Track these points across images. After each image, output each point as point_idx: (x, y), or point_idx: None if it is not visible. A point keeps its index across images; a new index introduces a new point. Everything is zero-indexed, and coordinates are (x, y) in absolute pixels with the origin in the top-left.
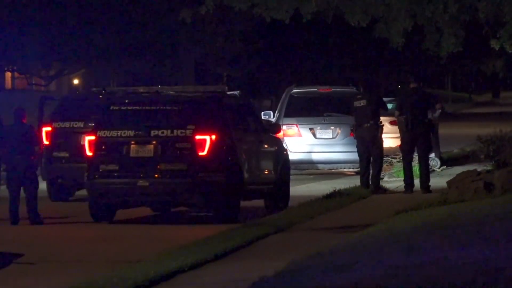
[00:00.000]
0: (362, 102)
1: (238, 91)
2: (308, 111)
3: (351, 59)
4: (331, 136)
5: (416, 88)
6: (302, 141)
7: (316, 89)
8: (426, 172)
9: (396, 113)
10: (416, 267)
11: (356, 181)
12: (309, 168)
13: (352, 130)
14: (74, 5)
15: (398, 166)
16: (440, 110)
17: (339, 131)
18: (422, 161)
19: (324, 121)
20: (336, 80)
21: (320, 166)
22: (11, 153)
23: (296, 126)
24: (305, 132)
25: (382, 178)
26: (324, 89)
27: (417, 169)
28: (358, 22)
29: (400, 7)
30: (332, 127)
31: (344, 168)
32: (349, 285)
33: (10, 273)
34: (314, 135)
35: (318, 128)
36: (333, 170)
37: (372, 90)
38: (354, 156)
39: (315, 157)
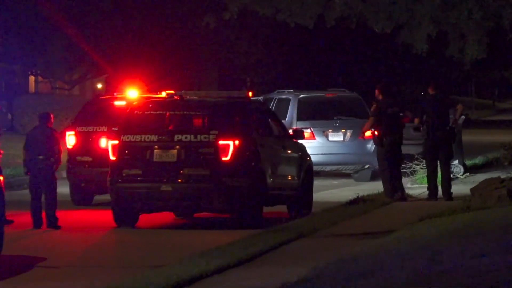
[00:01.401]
0: (395, 109)
1: (262, 97)
2: (319, 114)
3: (374, 65)
4: (342, 139)
5: (436, 94)
6: (316, 144)
7: (323, 94)
8: (448, 179)
9: (416, 120)
10: (438, 274)
11: (379, 188)
12: (319, 170)
13: (378, 136)
14: (98, 10)
15: (422, 172)
16: (464, 117)
17: (349, 133)
18: (444, 168)
19: (336, 124)
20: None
21: (330, 167)
22: (33, 156)
23: (310, 129)
24: (318, 135)
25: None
26: (330, 94)
27: (439, 175)
28: (382, 28)
29: (424, 13)
30: (342, 130)
31: (351, 169)
32: None
33: (33, 277)
34: (327, 137)
35: (330, 131)
36: (339, 170)
37: (395, 96)
38: (362, 157)
39: (328, 158)
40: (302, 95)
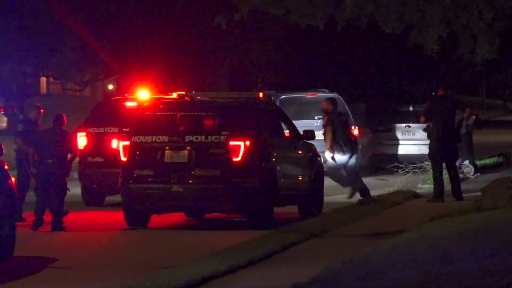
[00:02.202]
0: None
1: (272, 97)
2: (300, 114)
3: (384, 65)
4: (323, 138)
5: (444, 95)
6: None
7: (304, 94)
8: (457, 179)
9: (423, 118)
10: (449, 274)
11: (387, 189)
12: None
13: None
14: (108, 11)
15: (430, 172)
16: (474, 117)
17: None
18: (452, 169)
19: (316, 123)
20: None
21: None
22: (43, 157)
23: None
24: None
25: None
26: (311, 94)
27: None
28: (392, 29)
29: (435, 14)
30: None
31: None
32: None
33: (45, 277)
34: None
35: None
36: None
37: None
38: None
39: None
40: (283, 96)
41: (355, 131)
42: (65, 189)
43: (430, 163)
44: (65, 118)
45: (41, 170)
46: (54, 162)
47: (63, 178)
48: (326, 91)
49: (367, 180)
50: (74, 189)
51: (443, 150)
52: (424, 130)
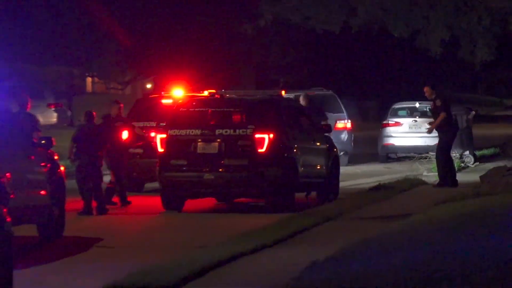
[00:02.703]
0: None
1: (294, 95)
2: None
3: (392, 66)
4: None
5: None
6: None
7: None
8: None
9: (444, 114)
10: (451, 253)
11: (396, 177)
12: None
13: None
14: (147, 20)
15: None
16: (474, 113)
17: None
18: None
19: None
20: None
21: None
22: (80, 150)
23: None
24: None
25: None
26: (310, 93)
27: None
28: (400, 33)
29: (438, 20)
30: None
31: None
32: (392, 268)
33: (92, 255)
34: None
35: None
36: None
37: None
38: (339, 146)
39: None
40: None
41: (348, 124)
42: (100, 178)
43: (434, 153)
44: (94, 114)
45: (79, 162)
46: (89, 154)
47: (100, 169)
48: (324, 89)
49: (376, 168)
50: None
51: (453, 140)
52: (430, 123)
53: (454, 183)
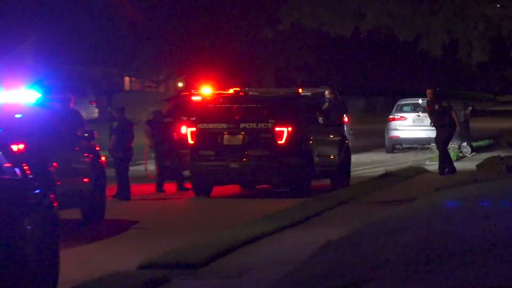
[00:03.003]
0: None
1: (310, 92)
2: None
3: (397, 67)
4: None
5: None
6: None
7: (330, 88)
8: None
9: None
10: (451, 233)
11: (402, 165)
12: None
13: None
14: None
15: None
16: (471, 108)
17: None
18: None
19: None
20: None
21: None
22: (117, 142)
23: None
24: None
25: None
26: (313, 90)
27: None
28: (405, 37)
29: (439, 26)
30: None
31: None
32: (397, 247)
33: (131, 236)
34: None
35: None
36: None
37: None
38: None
39: None
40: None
41: (345, 119)
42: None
43: (435, 145)
44: (124, 109)
45: (112, 154)
46: (125, 146)
47: (128, 160)
48: (326, 87)
49: (383, 157)
50: (153, 166)
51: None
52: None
53: (454, 170)
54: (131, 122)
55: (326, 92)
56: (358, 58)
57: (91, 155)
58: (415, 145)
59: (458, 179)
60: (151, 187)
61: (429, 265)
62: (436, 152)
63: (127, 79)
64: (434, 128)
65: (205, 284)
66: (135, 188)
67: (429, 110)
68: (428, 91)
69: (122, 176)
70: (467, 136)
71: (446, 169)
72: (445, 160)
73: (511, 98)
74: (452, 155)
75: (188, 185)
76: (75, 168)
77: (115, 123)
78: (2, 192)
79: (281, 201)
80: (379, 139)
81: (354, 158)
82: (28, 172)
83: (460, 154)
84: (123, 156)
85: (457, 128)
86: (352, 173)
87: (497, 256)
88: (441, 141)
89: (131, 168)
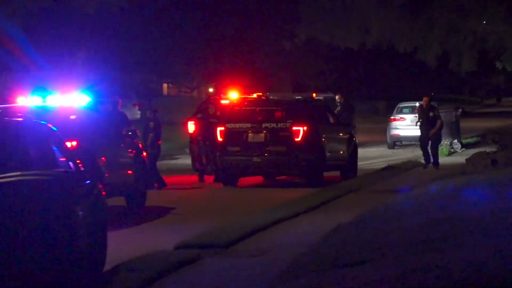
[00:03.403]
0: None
1: (323, 96)
2: None
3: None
4: None
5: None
6: None
7: (339, 94)
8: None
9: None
10: (445, 218)
11: (401, 160)
12: None
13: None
14: (208, 40)
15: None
16: (460, 110)
17: None
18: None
19: None
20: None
21: None
22: (151, 141)
23: None
24: None
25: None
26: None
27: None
28: (404, 49)
29: (434, 39)
30: None
31: None
32: (398, 230)
33: (169, 220)
34: None
35: None
36: None
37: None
38: None
39: None
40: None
41: None
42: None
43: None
44: (157, 111)
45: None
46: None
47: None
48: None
49: (385, 152)
50: (186, 160)
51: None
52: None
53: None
54: (160, 123)
55: (337, 97)
56: (364, 67)
57: (134, 151)
58: (413, 142)
59: (450, 171)
60: (189, 178)
61: (426, 245)
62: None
63: (165, 85)
64: (418, 127)
65: (232, 261)
66: (175, 179)
67: (424, 116)
68: (425, 99)
69: (154, 169)
70: (458, 134)
71: (430, 163)
72: (435, 155)
73: (495, 102)
74: (445, 150)
75: (207, 177)
76: (121, 162)
77: (152, 123)
78: (58, 183)
79: (298, 190)
80: (381, 137)
81: (360, 153)
82: (80, 165)
83: (452, 150)
84: (157, 152)
85: (432, 131)
86: (358, 166)
87: (484, 237)
88: (435, 142)
89: (170, 161)
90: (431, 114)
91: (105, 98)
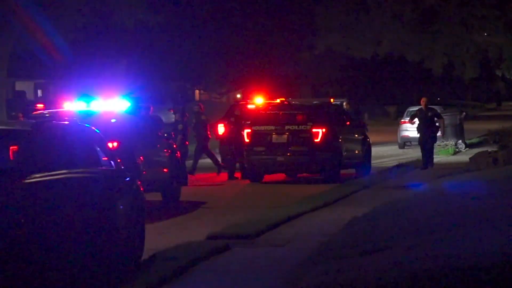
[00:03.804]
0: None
1: (342, 101)
2: None
3: (407, 82)
4: None
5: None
6: None
7: (347, 100)
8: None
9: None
10: (450, 212)
11: (411, 158)
12: None
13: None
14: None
15: (438, 148)
16: (464, 113)
17: None
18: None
19: None
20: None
21: None
22: (180, 143)
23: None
24: None
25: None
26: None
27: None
28: (412, 58)
29: (440, 49)
30: None
31: None
32: (408, 222)
33: (200, 213)
34: None
35: None
36: None
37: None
38: None
39: None
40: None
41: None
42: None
43: (440, 144)
44: (187, 115)
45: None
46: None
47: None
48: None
49: (396, 152)
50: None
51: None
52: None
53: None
54: (187, 126)
55: (344, 103)
56: (376, 74)
57: (169, 151)
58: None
59: (455, 169)
60: (218, 176)
61: (433, 235)
62: (438, 148)
63: (197, 91)
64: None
65: (258, 251)
66: (205, 176)
67: (423, 116)
68: (423, 99)
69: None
70: (462, 135)
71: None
72: (431, 155)
73: (495, 106)
74: (450, 150)
75: (237, 174)
76: (157, 161)
77: (181, 126)
78: (101, 180)
79: (317, 186)
80: (392, 138)
81: (374, 152)
82: (121, 164)
83: (457, 149)
84: (185, 151)
85: (440, 131)
86: (372, 164)
87: (486, 228)
88: (433, 141)
89: (201, 160)
90: (429, 114)
91: (140, 104)
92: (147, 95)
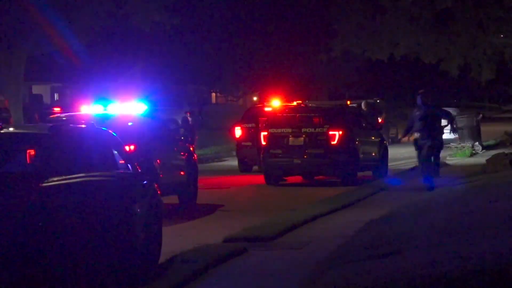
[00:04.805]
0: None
1: (357, 103)
2: None
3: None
4: None
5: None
6: None
7: (364, 101)
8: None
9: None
10: (467, 213)
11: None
12: None
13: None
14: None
15: (454, 150)
16: (481, 115)
17: None
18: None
19: None
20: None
21: None
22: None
23: None
24: None
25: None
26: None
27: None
28: (429, 61)
29: (456, 51)
30: None
31: None
32: (425, 224)
33: (218, 216)
34: None
35: None
36: None
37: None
38: None
39: None
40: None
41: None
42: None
43: (454, 144)
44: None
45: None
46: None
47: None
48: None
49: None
50: (233, 162)
51: None
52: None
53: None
54: (194, 128)
55: (362, 104)
56: (393, 77)
57: (186, 154)
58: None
59: (472, 171)
60: (235, 178)
61: (451, 237)
62: (455, 150)
63: (213, 94)
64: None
65: (275, 253)
66: (223, 179)
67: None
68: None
69: None
70: (479, 137)
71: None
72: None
73: None
74: (467, 152)
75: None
76: (174, 164)
77: (182, 130)
78: (118, 183)
79: (334, 189)
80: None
81: (390, 154)
82: (138, 167)
83: (473, 151)
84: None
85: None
86: (389, 166)
87: (504, 230)
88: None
89: (218, 163)
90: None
91: (158, 107)
92: (167, 98)
